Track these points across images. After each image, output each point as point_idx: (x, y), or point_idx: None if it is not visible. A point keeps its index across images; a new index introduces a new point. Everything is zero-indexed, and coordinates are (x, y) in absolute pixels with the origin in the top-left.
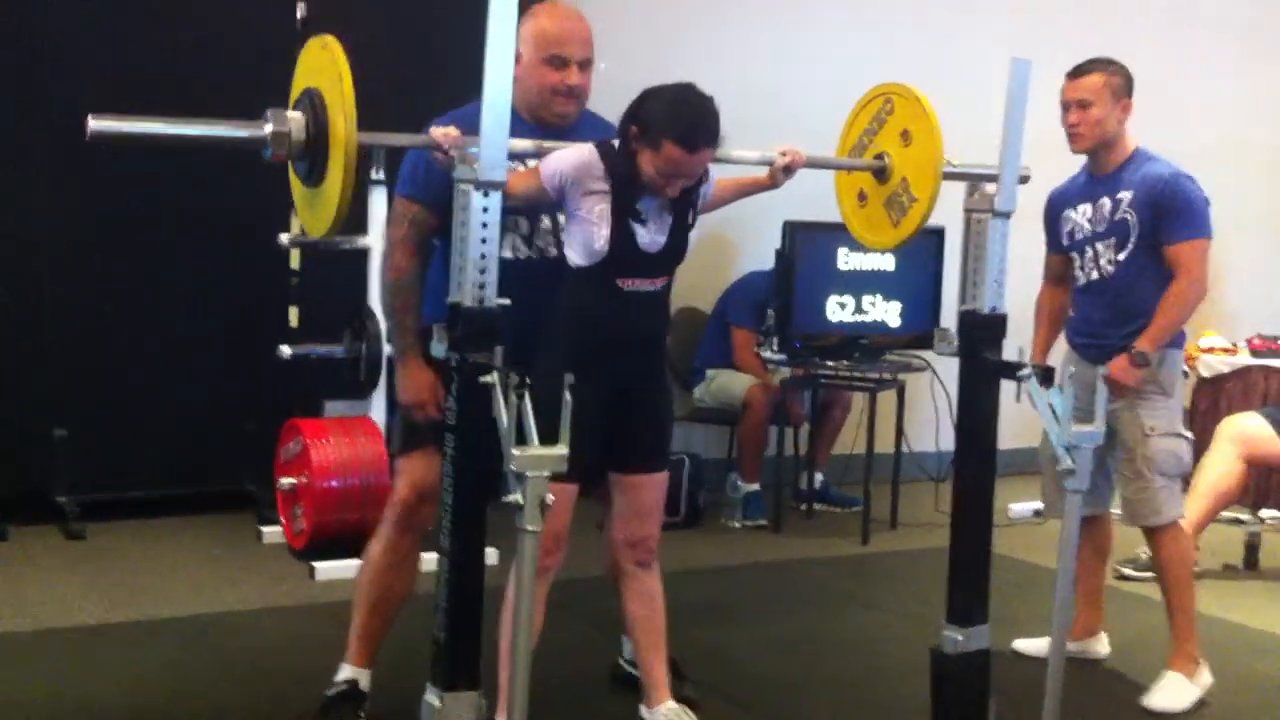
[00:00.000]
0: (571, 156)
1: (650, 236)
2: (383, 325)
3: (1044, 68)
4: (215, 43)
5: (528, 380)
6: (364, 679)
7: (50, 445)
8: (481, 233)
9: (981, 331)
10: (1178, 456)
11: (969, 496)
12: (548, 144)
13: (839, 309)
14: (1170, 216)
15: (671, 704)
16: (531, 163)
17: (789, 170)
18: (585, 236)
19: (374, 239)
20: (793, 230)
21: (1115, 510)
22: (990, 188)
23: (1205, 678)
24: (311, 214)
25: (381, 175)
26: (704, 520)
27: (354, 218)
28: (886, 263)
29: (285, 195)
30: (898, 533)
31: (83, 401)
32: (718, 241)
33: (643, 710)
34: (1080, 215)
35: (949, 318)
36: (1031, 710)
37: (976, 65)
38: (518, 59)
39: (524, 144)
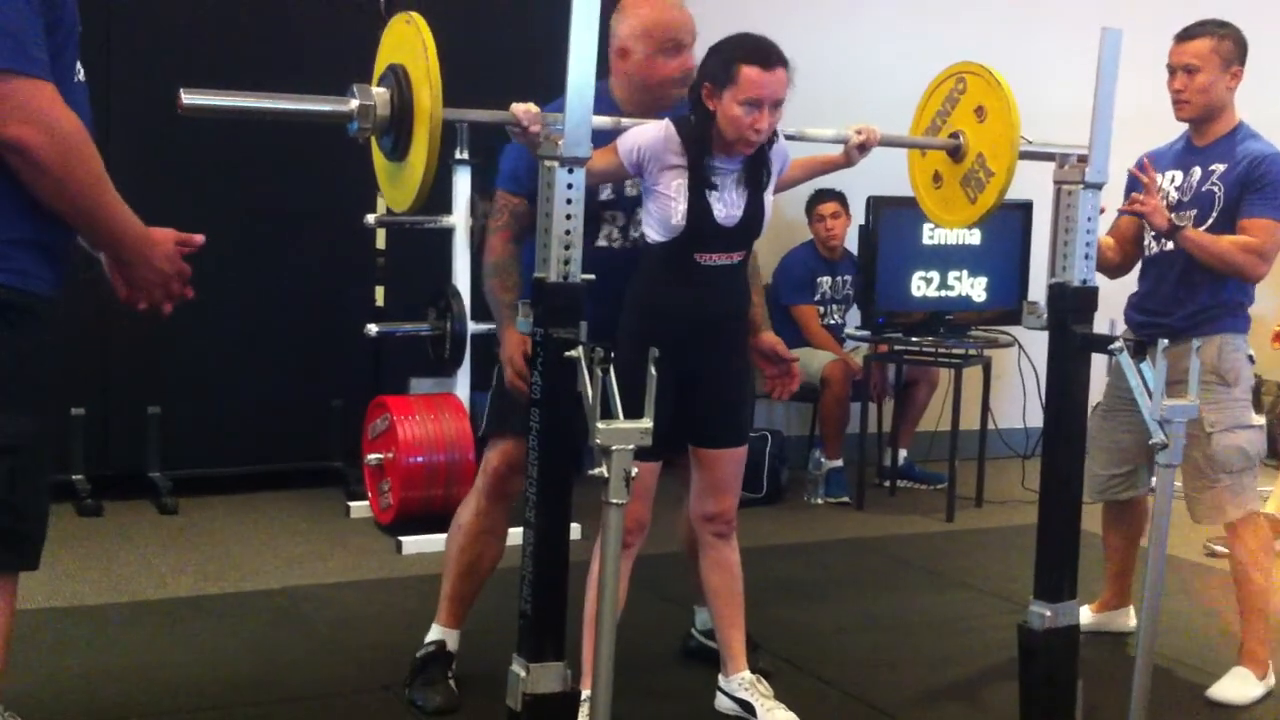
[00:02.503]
0: (649, 131)
1: (727, 210)
2: (467, 304)
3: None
4: (300, 27)
5: (612, 356)
6: (452, 639)
7: (144, 423)
8: (566, 209)
9: (1071, 304)
10: (1243, 450)
11: (1058, 471)
12: (626, 120)
13: (923, 284)
14: (1255, 192)
15: (747, 674)
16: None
17: (864, 148)
18: (663, 212)
19: (458, 218)
20: (876, 205)
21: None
22: (1080, 159)
23: (1271, 679)
24: (395, 189)
25: (466, 155)
26: (786, 497)
27: (438, 197)
28: (972, 238)
29: (371, 176)
30: (983, 510)
31: (175, 380)
32: (785, 223)
33: (720, 679)
34: (1169, 182)
35: (1036, 293)
36: (1113, 686)
37: (1054, 37)
38: (626, 55)
39: (602, 120)
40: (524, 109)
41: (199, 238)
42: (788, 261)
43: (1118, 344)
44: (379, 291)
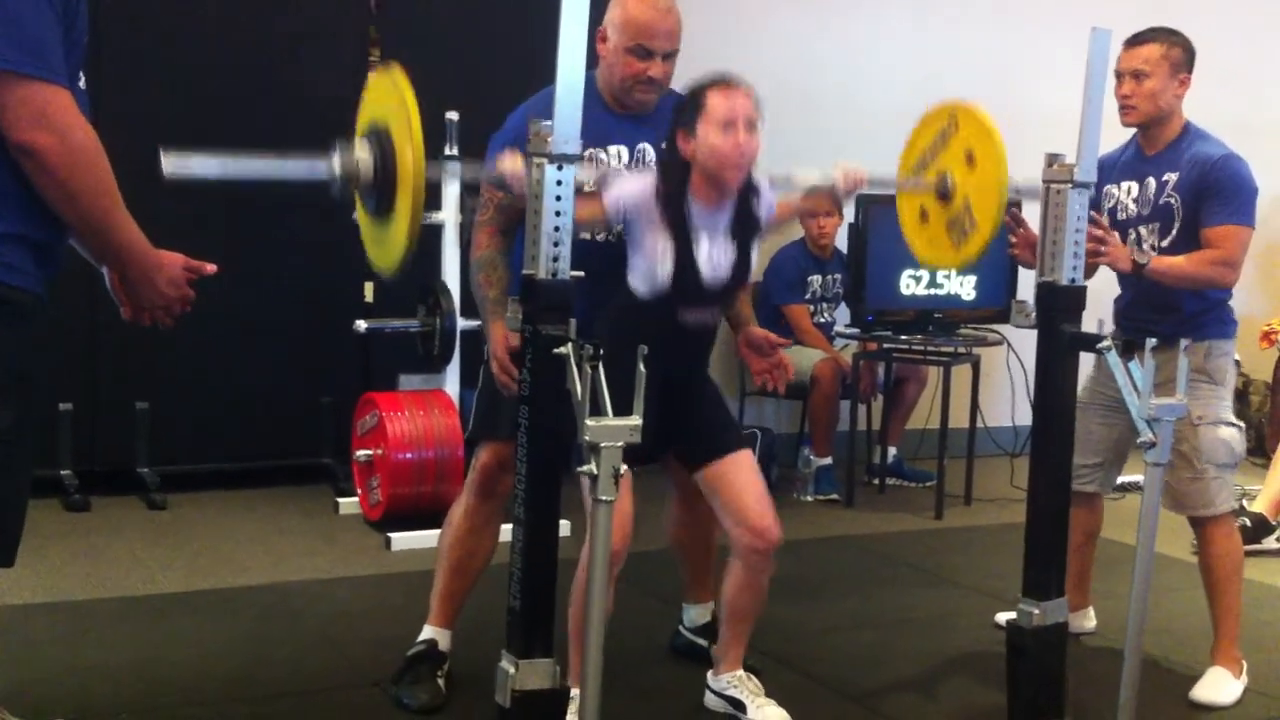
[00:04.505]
0: (635, 188)
1: (714, 271)
2: (456, 300)
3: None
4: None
5: (601, 352)
6: (444, 639)
7: (132, 418)
8: (555, 205)
9: (1060, 303)
10: (1229, 446)
11: (1046, 469)
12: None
13: (913, 283)
14: (1212, 198)
15: (738, 671)
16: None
17: (849, 192)
18: (648, 265)
19: (447, 215)
20: (866, 205)
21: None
22: (1069, 158)
23: (1245, 677)
24: (379, 248)
25: (455, 151)
26: (775, 494)
27: (428, 194)
28: None
29: None
30: (972, 508)
31: (163, 376)
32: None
33: (709, 677)
34: (1125, 194)
35: (1025, 292)
36: (1100, 683)
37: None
38: (603, 39)
39: (585, 174)
40: (510, 167)
41: (210, 267)
42: (778, 260)
43: (1106, 343)
44: (368, 288)
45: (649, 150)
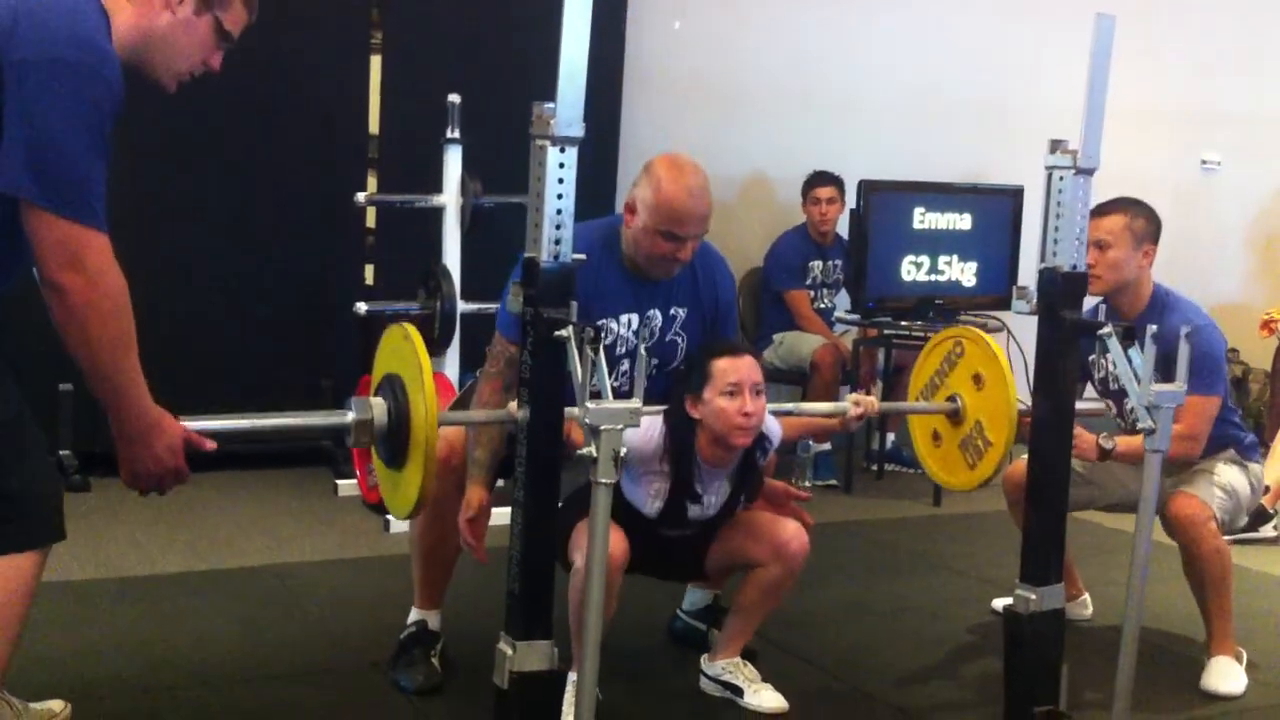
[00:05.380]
0: (638, 438)
1: (703, 512)
2: (456, 283)
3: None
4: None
5: (602, 333)
6: (432, 619)
7: None
8: (557, 188)
9: (1061, 290)
10: (1247, 494)
11: (1045, 455)
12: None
13: (913, 269)
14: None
15: (735, 657)
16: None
17: (860, 419)
18: (639, 498)
19: (448, 197)
20: (868, 190)
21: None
22: (1073, 144)
23: (1244, 660)
24: (394, 495)
25: (457, 134)
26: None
27: (428, 176)
28: (963, 223)
29: (362, 156)
30: (970, 494)
31: (163, 356)
32: (780, 207)
33: (703, 662)
34: (1113, 365)
35: (1026, 279)
36: (1098, 670)
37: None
38: (632, 209)
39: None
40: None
41: (210, 444)
42: (779, 246)
43: (1107, 329)
44: (369, 270)
45: (658, 316)
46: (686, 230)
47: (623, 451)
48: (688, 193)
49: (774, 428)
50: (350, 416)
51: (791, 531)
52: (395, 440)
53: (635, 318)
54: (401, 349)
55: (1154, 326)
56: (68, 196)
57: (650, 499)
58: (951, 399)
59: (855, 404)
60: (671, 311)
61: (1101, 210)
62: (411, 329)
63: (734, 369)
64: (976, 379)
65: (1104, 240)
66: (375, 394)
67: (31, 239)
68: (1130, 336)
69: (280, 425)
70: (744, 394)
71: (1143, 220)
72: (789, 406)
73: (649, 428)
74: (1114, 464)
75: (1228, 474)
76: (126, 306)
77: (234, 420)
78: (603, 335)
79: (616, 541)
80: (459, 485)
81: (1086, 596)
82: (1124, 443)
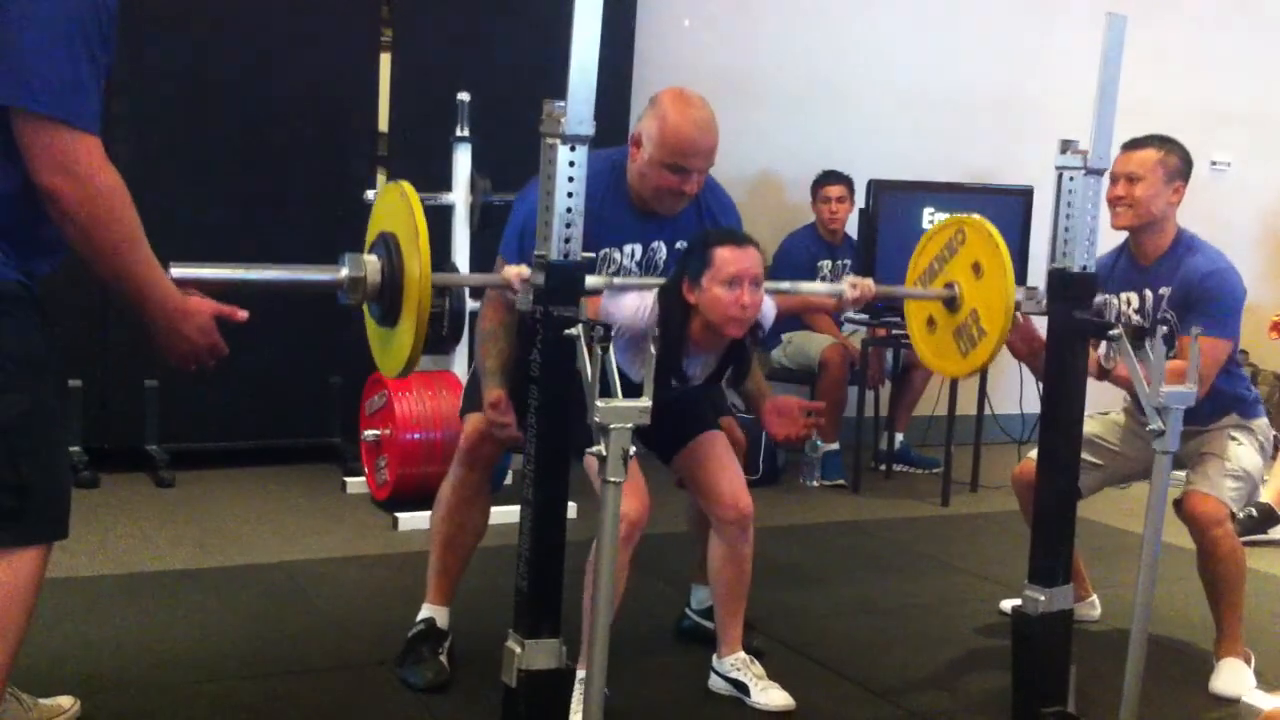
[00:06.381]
0: (629, 308)
1: (686, 380)
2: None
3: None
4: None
5: (612, 333)
6: (442, 617)
7: (141, 396)
8: (567, 186)
9: (1071, 290)
10: (1259, 468)
11: (1054, 456)
12: (618, 280)
13: None
14: (1194, 310)
15: (741, 654)
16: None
17: (857, 302)
18: (625, 363)
19: (458, 195)
20: (877, 189)
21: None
22: (1083, 144)
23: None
24: (385, 354)
25: (466, 132)
26: (782, 479)
27: (438, 174)
28: None
29: (370, 153)
30: (978, 495)
31: None
32: (790, 206)
33: (714, 660)
34: (1126, 305)
35: (1036, 279)
36: (1106, 671)
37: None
38: (637, 143)
39: (595, 281)
40: (515, 272)
41: (241, 313)
42: (788, 245)
43: (1117, 330)
44: None
45: (662, 249)
46: (692, 163)
47: (613, 329)
48: (694, 125)
49: (768, 311)
50: (344, 272)
51: (734, 488)
52: (388, 297)
53: (639, 248)
54: (397, 207)
55: (1164, 329)
56: (52, 99)
57: (637, 366)
58: (949, 286)
59: (852, 286)
60: (677, 245)
61: (1134, 144)
62: (408, 187)
63: (736, 260)
64: (976, 268)
65: (1135, 173)
66: (369, 252)
67: (21, 147)
68: (1141, 338)
69: (273, 279)
70: (743, 286)
71: (1175, 157)
72: (786, 286)
73: (640, 306)
74: (1116, 439)
75: (1238, 455)
76: (124, 205)
77: (226, 269)
78: (606, 264)
79: (635, 501)
80: (485, 479)
81: (1095, 598)
82: (1124, 368)
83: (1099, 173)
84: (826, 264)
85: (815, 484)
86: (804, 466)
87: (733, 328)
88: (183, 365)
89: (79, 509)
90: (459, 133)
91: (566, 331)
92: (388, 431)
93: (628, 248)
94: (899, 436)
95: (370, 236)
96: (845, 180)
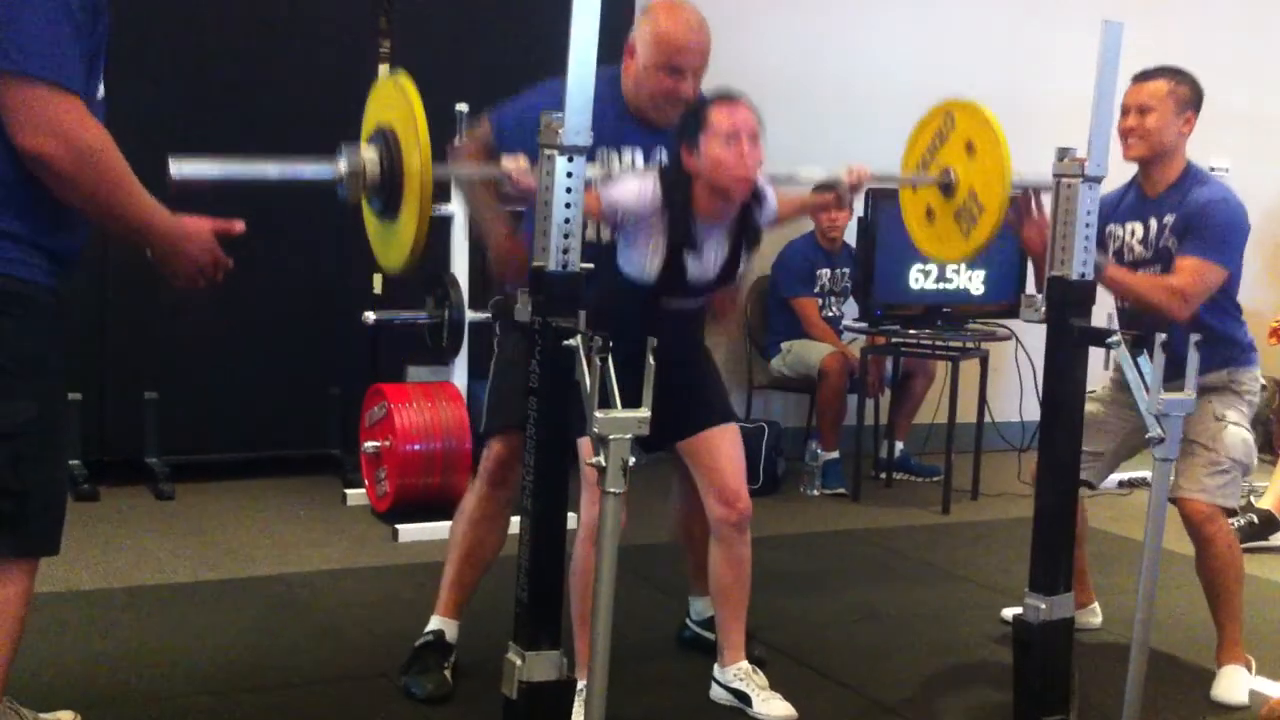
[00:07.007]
0: (631, 192)
1: (702, 271)
2: (465, 292)
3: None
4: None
5: (611, 344)
6: (450, 630)
7: (141, 408)
8: (566, 197)
9: (1070, 298)
10: (1246, 444)
11: (1054, 464)
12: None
13: (921, 277)
14: (1192, 234)
15: (743, 664)
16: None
17: (855, 188)
18: (637, 261)
19: (457, 206)
20: (875, 198)
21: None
22: (1080, 152)
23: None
24: (387, 249)
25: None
26: (782, 488)
27: (437, 186)
28: None
29: None
30: (979, 503)
31: (172, 366)
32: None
33: (715, 670)
34: (1130, 235)
35: (1033, 288)
36: (1107, 679)
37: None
38: (631, 52)
39: (592, 170)
40: (514, 164)
41: (238, 225)
42: (787, 253)
43: (1115, 337)
44: (377, 279)
45: (664, 154)
46: (686, 61)
47: (618, 215)
48: (686, 25)
49: (770, 195)
50: (342, 165)
51: (737, 484)
52: (387, 190)
53: (639, 154)
54: (393, 98)
55: (1163, 336)
56: (23, 56)
57: (649, 256)
58: (945, 172)
59: (849, 172)
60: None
61: (1145, 75)
62: (405, 79)
63: (731, 117)
64: (969, 147)
65: (1146, 104)
66: (367, 144)
67: (2, 111)
68: (1140, 345)
69: (270, 174)
70: (741, 141)
71: (1186, 88)
72: (784, 174)
73: (643, 188)
74: (1107, 413)
75: (1225, 443)
76: (110, 155)
77: (225, 165)
78: (605, 163)
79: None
80: (510, 500)
81: (1096, 605)
82: (1115, 269)
83: (1097, 180)
84: (825, 272)
85: (816, 493)
86: (804, 475)
87: (736, 187)
88: (193, 284)
89: (79, 522)
90: (458, 144)
91: (566, 342)
92: (388, 443)
93: (628, 152)
94: (899, 444)
95: (366, 129)
96: None
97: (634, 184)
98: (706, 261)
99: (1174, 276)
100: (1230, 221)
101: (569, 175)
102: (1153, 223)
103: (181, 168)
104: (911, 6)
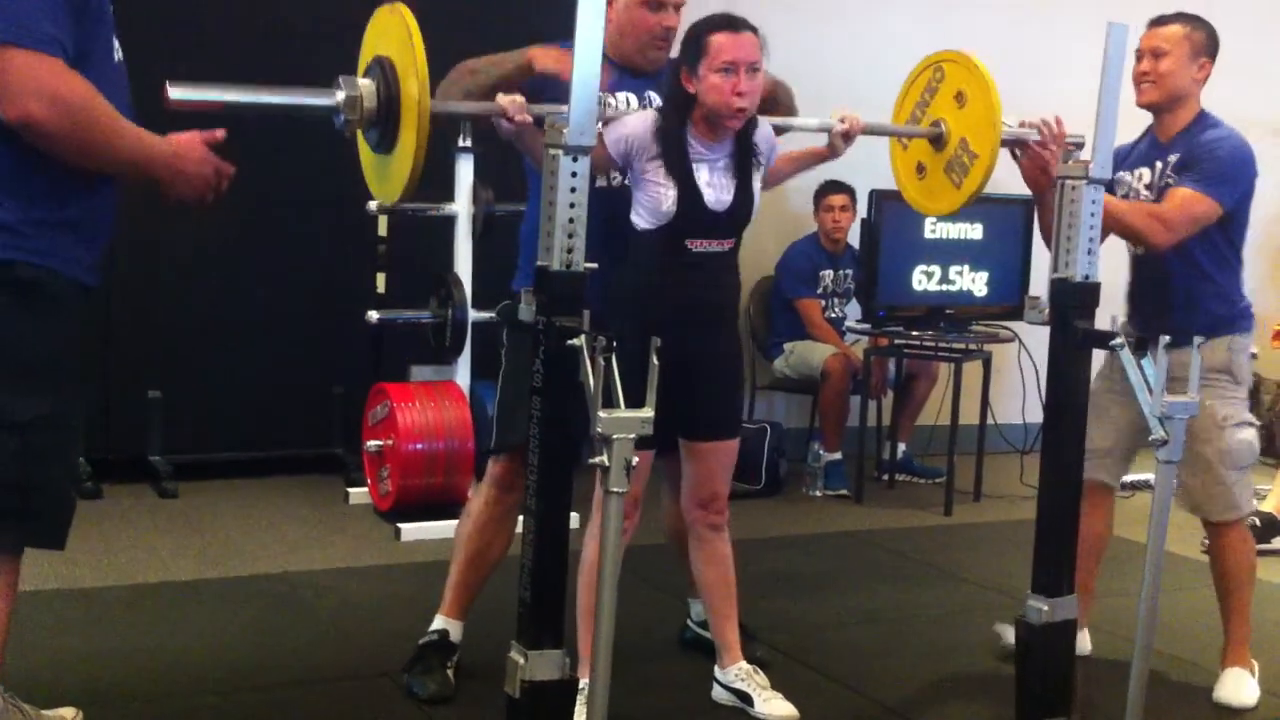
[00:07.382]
0: (635, 121)
1: (718, 195)
2: (468, 292)
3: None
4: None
5: (614, 343)
6: (455, 630)
7: (144, 406)
8: (570, 197)
9: (1074, 300)
10: (1251, 446)
11: (1057, 466)
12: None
13: (924, 279)
14: (1190, 167)
15: (744, 664)
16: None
17: (847, 137)
18: (653, 199)
19: (460, 206)
20: (879, 199)
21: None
22: (1084, 154)
23: (1257, 674)
24: (382, 181)
25: (469, 143)
26: (785, 489)
27: (440, 185)
28: (974, 232)
29: None
30: (981, 505)
31: (176, 365)
32: (793, 215)
33: (716, 671)
34: (1137, 180)
35: (1038, 289)
36: (1110, 681)
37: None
38: (610, 2)
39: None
40: (509, 100)
41: (220, 133)
42: (791, 254)
43: (1119, 339)
44: (380, 278)
45: (655, 98)
46: None
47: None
48: None
49: (771, 134)
50: (340, 95)
51: (722, 492)
52: (385, 122)
53: (632, 97)
54: (391, 28)
55: (1165, 338)
56: (4, 22)
57: (664, 189)
58: (935, 124)
59: (841, 120)
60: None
61: (1160, 20)
62: (404, 8)
63: (731, 46)
64: (959, 97)
65: (1160, 48)
66: (364, 75)
67: None
68: (1143, 347)
69: (268, 101)
70: (739, 73)
71: (1202, 33)
72: (778, 121)
73: (644, 118)
74: (1108, 418)
75: (1230, 451)
76: (96, 105)
77: (223, 91)
78: (602, 105)
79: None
80: (516, 503)
81: (1086, 632)
82: (1107, 199)
83: (1101, 182)
84: (829, 273)
85: (818, 494)
86: (806, 476)
87: (729, 118)
88: (201, 199)
89: (82, 519)
90: (461, 143)
91: (569, 342)
92: (390, 442)
93: (620, 94)
94: (901, 446)
95: (364, 60)
96: (848, 190)
97: (635, 116)
98: (719, 185)
99: (1161, 204)
100: (1230, 156)
101: (573, 175)
102: (1159, 165)
103: (180, 91)
104: (913, 6)
